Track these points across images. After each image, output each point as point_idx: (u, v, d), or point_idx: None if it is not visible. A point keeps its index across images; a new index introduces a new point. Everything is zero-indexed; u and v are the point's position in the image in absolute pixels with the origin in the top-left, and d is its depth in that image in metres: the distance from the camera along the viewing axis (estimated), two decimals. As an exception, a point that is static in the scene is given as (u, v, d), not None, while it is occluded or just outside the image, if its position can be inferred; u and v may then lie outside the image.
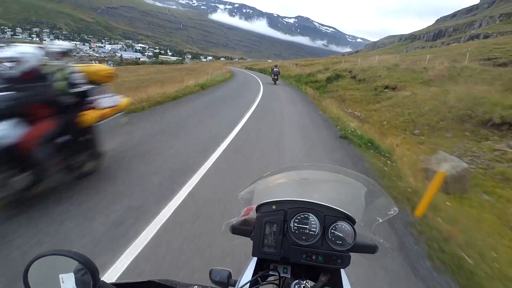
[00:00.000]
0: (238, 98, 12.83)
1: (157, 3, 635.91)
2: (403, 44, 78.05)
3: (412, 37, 78.89)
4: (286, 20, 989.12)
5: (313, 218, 0.78)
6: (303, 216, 0.79)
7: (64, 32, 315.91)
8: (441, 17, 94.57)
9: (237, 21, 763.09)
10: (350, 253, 0.76)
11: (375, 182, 0.87)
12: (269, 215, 0.81)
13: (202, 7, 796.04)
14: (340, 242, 0.76)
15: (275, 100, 13.26)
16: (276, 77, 21.07)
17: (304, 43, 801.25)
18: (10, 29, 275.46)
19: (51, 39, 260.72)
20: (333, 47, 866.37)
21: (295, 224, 0.78)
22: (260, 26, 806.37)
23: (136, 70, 31.97)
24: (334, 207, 0.79)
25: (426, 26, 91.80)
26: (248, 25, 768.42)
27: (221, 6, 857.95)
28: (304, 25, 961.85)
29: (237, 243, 0.93)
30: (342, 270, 0.81)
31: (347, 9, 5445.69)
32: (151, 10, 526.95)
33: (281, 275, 0.80)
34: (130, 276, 2.07)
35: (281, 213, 0.80)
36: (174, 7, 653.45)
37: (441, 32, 65.93)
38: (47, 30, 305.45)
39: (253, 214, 0.88)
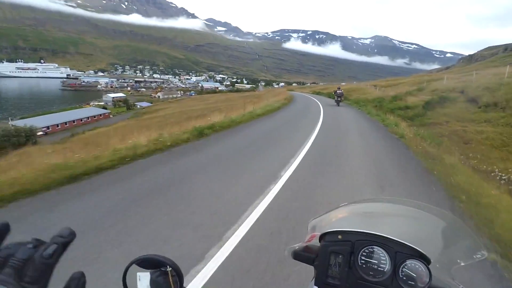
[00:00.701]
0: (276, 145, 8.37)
1: (237, 38, 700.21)
2: (510, 55, 65.64)
3: (523, 46, 65.97)
4: (362, 41, 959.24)
5: (382, 253, 0.73)
6: (371, 249, 0.74)
7: (160, 68, 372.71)
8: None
9: (310, 47, 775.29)
10: None
11: (460, 219, 0.79)
12: (335, 245, 0.77)
13: (276, 37, 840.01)
14: (413, 283, 0.69)
15: (339, 146, 8.26)
16: (339, 99, 21.30)
17: (383, 63, 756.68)
18: (121, 67, 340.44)
19: (150, 74, 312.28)
20: (417, 65, 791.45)
21: (363, 258, 0.74)
22: (333, 50, 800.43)
23: (208, 99, 35.07)
24: (407, 243, 0.73)
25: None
26: (321, 49, 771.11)
27: (294, 35, 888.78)
28: (382, 45, 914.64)
29: (298, 269, 0.77)
30: None
31: (432, 22, 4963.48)
32: (231, 45, 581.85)
33: None
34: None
35: (348, 244, 0.76)
36: (251, 40, 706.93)
37: None
38: (148, 67, 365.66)
39: (315, 242, 0.86)
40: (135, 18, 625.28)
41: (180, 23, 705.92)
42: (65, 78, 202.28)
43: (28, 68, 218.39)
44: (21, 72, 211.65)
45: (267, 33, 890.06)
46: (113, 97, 76.39)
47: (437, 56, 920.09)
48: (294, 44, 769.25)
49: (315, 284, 0.78)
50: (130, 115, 40.81)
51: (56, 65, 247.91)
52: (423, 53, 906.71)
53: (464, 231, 0.78)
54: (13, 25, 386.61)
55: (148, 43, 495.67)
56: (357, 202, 0.91)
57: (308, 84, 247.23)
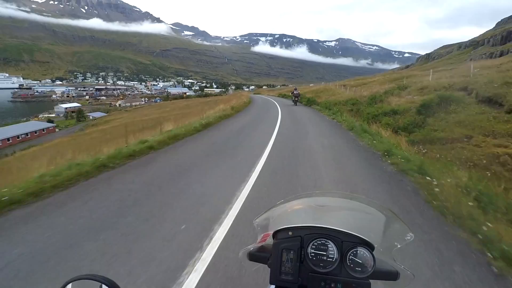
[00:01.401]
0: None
1: (205, 42, 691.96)
2: (464, 53, 69.12)
3: (474, 44, 69.68)
4: (327, 44, 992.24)
5: (330, 245, 0.76)
6: (320, 242, 0.77)
7: (125, 74, 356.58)
8: (502, 19, 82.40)
9: (278, 51, 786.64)
10: (370, 281, 0.74)
11: (389, 208, 0.85)
12: (286, 242, 0.79)
13: (245, 41, 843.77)
14: (359, 269, 0.74)
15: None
16: (296, 99, 22.09)
17: (347, 64, 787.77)
18: (81, 74, 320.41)
19: (113, 81, 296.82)
20: (379, 65, 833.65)
21: (312, 251, 0.77)
22: (300, 53, 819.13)
23: (167, 106, 32.39)
24: (352, 233, 0.77)
25: (485, 31, 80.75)
26: (289, 52, 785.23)
27: (262, 38, 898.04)
28: (345, 47, 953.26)
29: (255, 270, 0.80)
30: None
31: (390, 25, 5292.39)
32: (199, 49, 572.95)
33: None
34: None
35: (298, 239, 0.78)
36: (220, 44, 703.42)
37: (511, 34, 56.66)
38: (111, 73, 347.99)
39: (270, 241, 0.87)
40: (96, 23, 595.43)
41: (145, 27, 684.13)
42: (17, 88, 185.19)
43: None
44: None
45: (235, 37, 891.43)
46: (66, 108, 69.62)
47: (396, 56, 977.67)
48: (263, 47, 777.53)
49: (270, 283, 0.79)
50: (78, 128, 36.21)
51: (7, 74, 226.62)
52: (384, 54, 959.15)
53: (393, 218, 0.83)
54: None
55: (111, 49, 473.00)
56: (302, 197, 0.93)
57: (278, 86, 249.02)
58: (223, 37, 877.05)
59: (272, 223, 0.90)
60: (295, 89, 23.43)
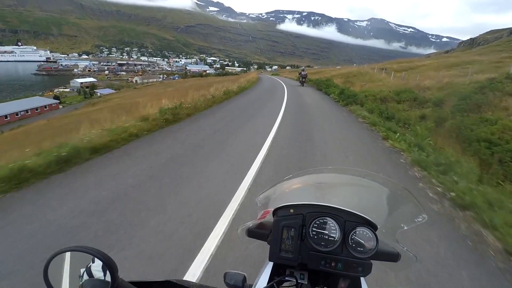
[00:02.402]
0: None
1: (230, 19, 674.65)
2: (517, 39, 59.10)
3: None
4: (358, 23, 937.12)
5: (332, 223, 0.76)
6: (322, 221, 0.76)
7: (149, 50, 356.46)
8: None
9: (305, 29, 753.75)
10: (372, 261, 0.73)
11: (404, 186, 0.81)
12: (287, 219, 0.78)
13: (271, 18, 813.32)
14: (361, 249, 0.73)
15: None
16: (303, 80, 22.65)
17: (379, 46, 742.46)
18: (107, 49, 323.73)
19: (138, 56, 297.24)
20: (413, 49, 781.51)
21: (314, 229, 0.76)
22: (329, 32, 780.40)
23: (179, 83, 29.17)
24: (355, 212, 0.76)
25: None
26: (317, 32, 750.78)
27: (289, 16, 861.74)
28: (378, 28, 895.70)
29: (253, 246, 0.88)
30: (362, 279, 0.77)
31: (428, 7, 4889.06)
32: (223, 26, 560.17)
33: (298, 281, 0.77)
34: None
35: (300, 217, 0.77)
36: (245, 21, 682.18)
37: None
38: (136, 49, 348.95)
39: (269, 218, 0.86)
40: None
41: (170, 2, 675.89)
42: (43, 61, 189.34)
43: (5, 52, 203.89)
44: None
45: (261, 14, 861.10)
46: (81, 83, 67.81)
47: (433, 40, 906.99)
48: (289, 25, 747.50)
49: (269, 259, 0.79)
50: (81, 105, 33.29)
51: (35, 47, 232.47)
52: (419, 37, 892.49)
53: (406, 197, 0.80)
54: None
55: (136, 24, 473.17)
56: (306, 173, 0.91)
57: (303, 67, 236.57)
58: (249, 14, 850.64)
59: (273, 200, 0.89)
60: (303, 70, 24.69)
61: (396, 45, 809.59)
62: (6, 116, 31.52)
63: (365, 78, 20.71)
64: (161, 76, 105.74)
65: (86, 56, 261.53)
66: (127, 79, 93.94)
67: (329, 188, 0.89)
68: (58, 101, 40.37)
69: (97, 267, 0.57)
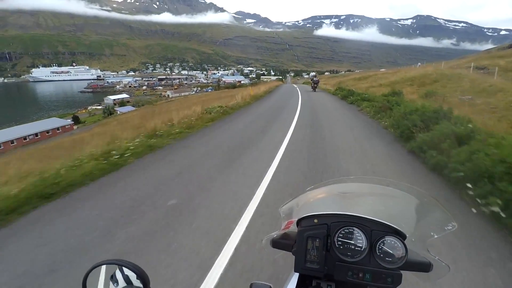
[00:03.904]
0: None
1: (266, 29, 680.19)
2: None
3: None
4: (402, 22, 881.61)
5: (358, 233, 0.73)
6: (347, 230, 0.74)
7: (190, 64, 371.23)
8: None
9: (343, 33, 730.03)
10: (401, 271, 0.70)
11: (430, 194, 0.79)
12: (311, 229, 0.76)
13: (307, 25, 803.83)
14: (390, 259, 0.70)
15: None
16: (315, 85, 23.75)
17: (426, 45, 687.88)
18: (151, 65, 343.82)
19: (179, 71, 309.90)
20: (466, 45, 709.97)
21: (339, 239, 0.74)
22: (369, 34, 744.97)
23: (200, 97, 25.72)
24: (382, 221, 0.74)
25: None
26: (356, 34, 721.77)
27: (327, 21, 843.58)
28: (424, 25, 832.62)
29: (278, 257, 0.82)
30: None
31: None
32: (260, 36, 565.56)
33: None
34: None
35: (324, 227, 0.75)
36: (281, 29, 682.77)
37: None
38: (178, 64, 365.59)
39: (293, 228, 0.84)
40: (166, 17, 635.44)
41: (209, 18, 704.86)
42: (94, 79, 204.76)
43: (62, 72, 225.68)
44: (55, 76, 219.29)
45: (297, 21, 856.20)
46: (114, 99, 68.17)
47: (490, 34, 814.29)
48: (327, 30, 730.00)
49: (295, 271, 0.77)
50: (95, 125, 30.34)
51: (87, 67, 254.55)
52: (473, 32, 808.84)
53: (434, 205, 0.78)
54: (54, 32, 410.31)
55: (178, 41, 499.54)
56: (329, 183, 0.90)
57: (342, 72, 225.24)
58: (285, 22, 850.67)
59: (296, 210, 0.88)
60: (315, 76, 28.29)
61: (446, 43, 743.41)
62: (12, 141, 29.50)
63: (468, 86, 12.02)
64: (195, 88, 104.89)
65: (133, 73, 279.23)
66: (160, 94, 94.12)
67: (353, 198, 0.88)
68: (73, 122, 38.74)
69: (124, 274, 0.60)
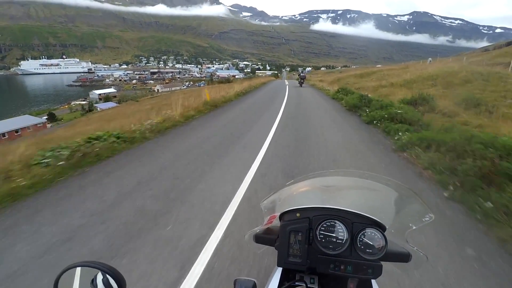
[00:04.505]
0: None
1: (262, 23, 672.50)
2: None
3: None
4: (398, 18, 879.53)
5: (340, 226, 0.74)
6: (329, 223, 0.74)
7: (184, 58, 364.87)
8: None
9: (340, 28, 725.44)
10: (382, 262, 0.71)
11: (408, 187, 0.80)
12: (294, 223, 0.77)
13: (304, 19, 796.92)
14: (370, 250, 0.71)
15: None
16: (302, 81, 23.31)
17: (422, 41, 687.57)
18: (145, 58, 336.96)
19: (173, 64, 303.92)
20: (462, 43, 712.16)
21: (321, 232, 0.74)
22: (366, 30, 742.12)
23: (193, 91, 23.09)
24: (362, 214, 0.75)
25: None
26: (353, 30, 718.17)
27: (324, 15, 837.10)
28: (421, 22, 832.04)
29: (261, 252, 0.86)
30: (373, 281, 0.76)
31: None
32: (256, 30, 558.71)
33: (308, 285, 0.75)
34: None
35: (306, 221, 0.76)
36: (278, 23, 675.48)
37: None
38: (172, 57, 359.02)
39: (276, 223, 0.84)
40: (160, 9, 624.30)
41: (204, 10, 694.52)
42: (84, 72, 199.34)
43: (51, 64, 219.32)
44: (45, 68, 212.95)
45: (294, 15, 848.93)
46: (99, 94, 64.93)
47: (485, 32, 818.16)
48: (323, 25, 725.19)
49: (278, 265, 0.78)
50: (63, 125, 27.58)
51: (77, 60, 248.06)
52: (469, 29, 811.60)
53: (412, 197, 0.79)
54: (45, 23, 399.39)
55: (172, 33, 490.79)
56: (311, 177, 0.90)
57: (339, 68, 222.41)
58: (282, 16, 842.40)
59: (279, 205, 0.87)
60: (302, 71, 30.08)
61: (442, 39, 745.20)
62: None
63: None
64: (186, 83, 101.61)
65: (126, 66, 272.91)
66: (150, 88, 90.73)
67: (334, 191, 0.88)
68: (46, 120, 35.79)
69: (104, 278, 0.58)
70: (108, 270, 0.57)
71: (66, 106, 55.38)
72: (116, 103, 39.61)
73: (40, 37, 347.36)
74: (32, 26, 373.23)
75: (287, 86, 24.18)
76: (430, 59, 27.44)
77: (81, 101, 61.63)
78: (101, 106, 41.54)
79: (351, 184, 0.90)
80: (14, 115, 40.94)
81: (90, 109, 40.84)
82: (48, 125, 33.42)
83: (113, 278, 0.57)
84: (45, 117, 37.84)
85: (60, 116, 40.95)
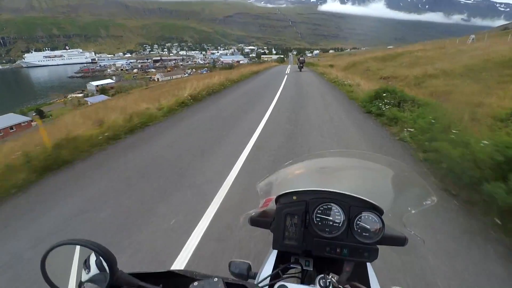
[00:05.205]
0: None
1: (268, 5, 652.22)
2: None
3: None
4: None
5: (336, 209, 0.73)
6: (325, 207, 0.74)
7: (188, 44, 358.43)
8: None
9: (349, 8, 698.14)
10: (378, 246, 0.71)
11: (409, 167, 0.77)
12: (290, 206, 0.76)
13: (311, 0, 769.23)
14: (367, 234, 0.71)
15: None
16: (301, 65, 23.75)
17: (436, 20, 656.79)
18: (149, 46, 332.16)
19: (177, 51, 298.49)
20: (477, 21, 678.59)
21: (318, 216, 0.73)
22: (376, 9, 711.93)
23: (162, 87, 19.81)
24: (360, 197, 0.74)
25: None
26: (363, 9, 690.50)
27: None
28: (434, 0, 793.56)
29: (257, 235, 0.77)
30: (368, 264, 0.76)
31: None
32: (261, 13, 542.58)
33: (303, 268, 0.76)
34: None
35: (302, 204, 0.75)
36: (284, 5, 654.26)
37: None
38: (176, 44, 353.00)
39: (272, 206, 0.83)
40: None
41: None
42: (89, 63, 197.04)
43: (55, 56, 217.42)
44: (48, 60, 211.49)
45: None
46: (97, 86, 62.08)
47: (502, 9, 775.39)
48: (331, 6, 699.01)
49: (273, 248, 0.77)
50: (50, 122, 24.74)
51: (81, 50, 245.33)
52: (485, 7, 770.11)
53: (413, 179, 0.77)
54: (48, 14, 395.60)
55: (176, 19, 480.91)
56: (308, 158, 0.88)
57: (348, 50, 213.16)
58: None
59: (275, 187, 0.86)
60: (301, 55, 31.19)
61: (457, 18, 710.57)
62: None
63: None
64: (189, 70, 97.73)
65: (130, 55, 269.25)
66: (150, 77, 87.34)
67: (332, 173, 0.86)
68: (30, 119, 33.11)
69: (97, 260, 0.56)
70: (98, 250, 0.55)
71: (63, 99, 52.83)
72: (108, 96, 36.74)
73: (44, 28, 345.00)
74: (36, 18, 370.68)
75: (286, 72, 20.59)
76: (473, 36, 22.62)
77: (78, 93, 58.99)
78: (92, 100, 38.67)
79: (350, 165, 0.88)
80: (5, 111, 38.63)
81: (80, 103, 38.01)
82: (34, 123, 30.79)
83: (104, 258, 0.55)
84: (34, 114, 35.21)
85: (49, 112, 38.29)
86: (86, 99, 42.61)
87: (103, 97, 39.13)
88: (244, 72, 19.87)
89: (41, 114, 36.01)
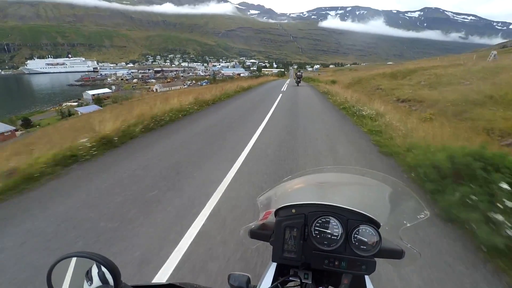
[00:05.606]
0: None
1: (270, 20, 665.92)
2: None
3: None
4: (409, 14, 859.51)
5: (335, 222, 0.75)
6: (324, 220, 0.75)
7: (191, 56, 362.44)
8: None
9: (349, 25, 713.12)
10: (375, 259, 0.72)
11: (403, 183, 0.81)
12: (289, 219, 0.78)
13: (312, 17, 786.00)
14: (364, 247, 0.72)
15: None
16: (299, 80, 24.95)
17: (434, 38, 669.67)
18: (152, 57, 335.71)
19: (179, 62, 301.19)
20: (475, 39, 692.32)
21: (316, 229, 0.75)
22: (375, 27, 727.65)
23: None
24: (357, 210, 0.75)
25: None
26: (362, 27, 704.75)
27: (332, 13, 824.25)
28: (432, 18, 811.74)
29: (256, 247, 0.88)
30: (366, 277, 0.76)
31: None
32: (264, 28, 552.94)
33: (302, 280, 0.76)
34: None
35: (301, 217, 0.76)
36: (286, 21, 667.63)
37: None
38: (179, 55, 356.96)
39: (271, 219, 0.85)
40: (168, 8, 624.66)
41: (212, 8, 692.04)
42: (91, 71, 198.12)
43: (57, 64, 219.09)
44: (51, 67, 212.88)
45: (302, 13, 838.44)
46: (93, 95, 61.49)
47: (499, 28, 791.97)
48: (332, 22, 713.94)
49: (273, 260, 0.79)
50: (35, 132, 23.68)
51: (83, 58, 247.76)
52: (482, 25, 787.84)
53: (407, 194, 0.80)
54: (54, 23, 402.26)
55: (180, 32, 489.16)
56: (307, 174, 0.91)
57: (348, 65, 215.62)
58: (289, 14, 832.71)
59: (274, 201, 0.88)
60: (299, 71, 29.74)
61: (454, 36, 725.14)
62: None
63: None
64: (188, 82, 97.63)
65: (132, 65, 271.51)
66: (149, 88, 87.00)
67: (330, 187, 0.89)
68: (14, 128, 32.03)
69: (100, 272, 0.57)
70: (103, 262, 0.56)
71: (58, 108, 51.94)
72: (100, 107, 35.85)
73: (49, 36, 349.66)
74: (41, 25, 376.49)
75: (283, 89, 19.18)
76: (494, 52, 20.39)
77: (73, 102, 58.24)
78: (83, 110, 37.73)
79: (347, 180, 0.91)
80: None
81: (70, 113, 37.02)
82: (18, 133, 29.67)
83: (108, 270, 0.56)
84: (21, 122, 34.20)
85: (40, 121, 37.27)
86: (76, 109, 41.68)
87: (95, 107, 38.23)
88: (228, 89, 15.66)
89: (27, 123, 34.89)
